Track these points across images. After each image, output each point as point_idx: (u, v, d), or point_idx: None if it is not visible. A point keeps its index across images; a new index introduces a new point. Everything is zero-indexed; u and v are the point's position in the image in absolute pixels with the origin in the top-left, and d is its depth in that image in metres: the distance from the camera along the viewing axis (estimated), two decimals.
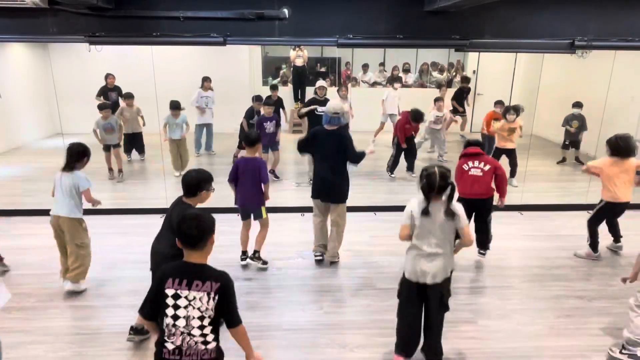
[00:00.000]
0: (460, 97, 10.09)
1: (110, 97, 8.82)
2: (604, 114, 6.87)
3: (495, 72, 11.27)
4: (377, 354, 3.46)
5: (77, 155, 4.11)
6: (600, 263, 4.96)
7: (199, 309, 2.26)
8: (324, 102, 6.74)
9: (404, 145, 7.57)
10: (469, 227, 3.14)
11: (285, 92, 11.53)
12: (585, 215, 5.13)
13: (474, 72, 11.64)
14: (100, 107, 7.56)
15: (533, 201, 6.61)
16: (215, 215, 2.45)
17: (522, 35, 5.39)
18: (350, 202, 4.80)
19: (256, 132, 4.77)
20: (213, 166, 8.59)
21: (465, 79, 10.15)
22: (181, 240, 2.35)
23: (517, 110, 6.98)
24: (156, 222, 5.27)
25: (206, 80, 8.82)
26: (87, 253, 4.22)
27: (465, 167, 4.61)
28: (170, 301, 2.28)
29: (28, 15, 5.01)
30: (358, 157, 4.47)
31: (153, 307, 2.35)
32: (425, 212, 3.07)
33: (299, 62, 10.82)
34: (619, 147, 4.73)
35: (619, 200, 4.78)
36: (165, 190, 6.79)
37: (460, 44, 5.40)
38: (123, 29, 5.15)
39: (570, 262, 4.98)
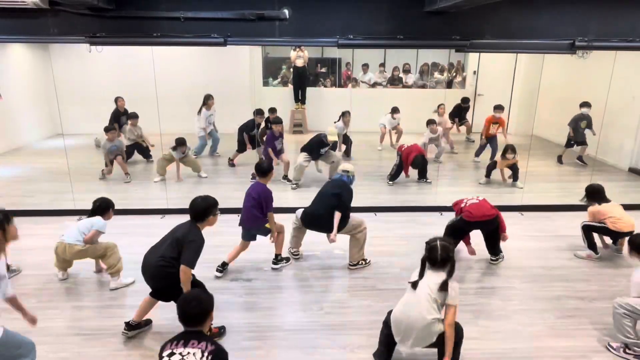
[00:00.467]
0: (459, 113, 10.20)
1: (122, 121, 8.88)
2: (604, 114, 6.87)
3: (495, 72, 11.28)
4: None
5: (103, 210, 4.40)
6: (601, 264, 4.96)
7: None
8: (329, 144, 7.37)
9: (409, 176, 7.71)
10: (457, 311, 3.01)
11: (286, 93, 11.55)
12: (586, 216, 5.11)
13: (474, 72, 11.65)
14: (107, 129, 7.66)
15: (534, 201, 6.60)
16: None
17: (522, 36, 5.40)
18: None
19: (268, 163, 4.93)
20: (215, 166, 8.61)
21: (465, 100, 10.20)
22: (182, 320, 2.41)
23: (515, 150, 7.25)
24: (157, 223, 5.24)
25: (209, 98, 8.66)
26: (110, 255, 4.33)
27: (463, 204, 4.78)
28: None
29: (28, 15, 5.02)
30: (344, 211, 4.60)
31: None
32: (414, 285, 3.06)
33: (300, 63, 10.81)
34: (601, 191, 5.01)
35: (623, 230, 4.78)
36: (166, 191, 6.81)
37: (460, 45, 5.40)
38: (123, 29, 5.16)
39: (570, 262, 4.97)
